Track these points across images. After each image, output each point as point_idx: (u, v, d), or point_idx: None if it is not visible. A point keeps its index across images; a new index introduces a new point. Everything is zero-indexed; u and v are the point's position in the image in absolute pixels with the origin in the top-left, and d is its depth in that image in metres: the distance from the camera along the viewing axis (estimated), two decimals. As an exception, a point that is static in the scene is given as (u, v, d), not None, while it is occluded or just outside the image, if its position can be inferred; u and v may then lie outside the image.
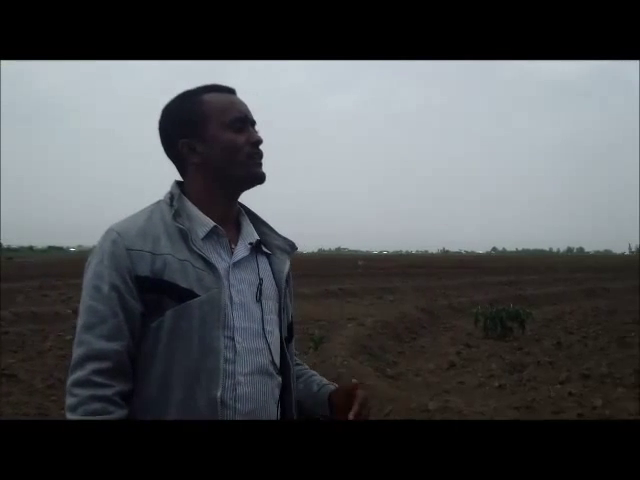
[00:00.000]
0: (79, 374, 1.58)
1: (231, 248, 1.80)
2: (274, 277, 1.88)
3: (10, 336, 11.77)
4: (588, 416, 6.82)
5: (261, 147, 1.81)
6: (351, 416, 1.78)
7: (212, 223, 1.77)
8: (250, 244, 1.84)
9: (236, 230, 1.86)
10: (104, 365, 1.58)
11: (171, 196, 1.78)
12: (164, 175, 1.92)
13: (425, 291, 23.72)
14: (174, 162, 1.86)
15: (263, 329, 1.79)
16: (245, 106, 1.85)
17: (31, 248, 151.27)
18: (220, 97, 1.82)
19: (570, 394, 7.85)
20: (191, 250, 1.69)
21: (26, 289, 21.46)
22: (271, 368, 1.79)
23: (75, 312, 1.83)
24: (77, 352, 1.60)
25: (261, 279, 1.82)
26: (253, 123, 1.85)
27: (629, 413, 6.92)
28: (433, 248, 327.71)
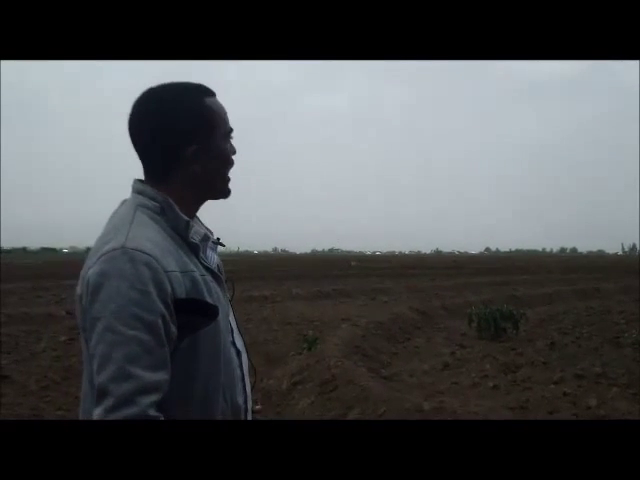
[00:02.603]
0: (130, 411, 1.44)
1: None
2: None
3: (3, 337, 11.72)
4: (582, 416, 6.83)
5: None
6: None
7: (203, 231, 1.73)
8: (214, 243, 1.83)
9: None
10: (156, 397, 1.48)
11: (162, 205, 1.67)
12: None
13: (419, 292, 23.71)
14: (160, 163, 1.71)
15: (237, 327, 1.82)
16: None
17: (24, 249, 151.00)
18: (218, 103, 1.76)
19: (564, 394, 7.85)
20: (202, 264, 1.67)
21: (19, 290, 21.41)
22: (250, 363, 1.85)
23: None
24: (124, 387, 1.44)
25: (224, 278, 1.83)
26: None
27: (623, 413, 6.94)
28: (426, 249, 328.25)
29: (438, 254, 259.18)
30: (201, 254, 1.68)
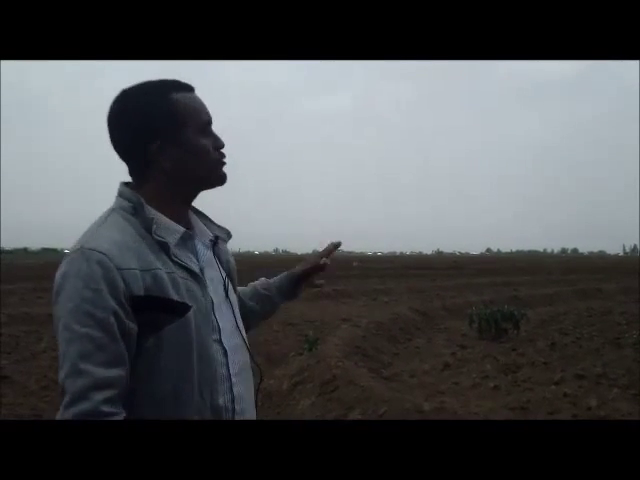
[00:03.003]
0: (84, 406, 1.47)
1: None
2: (225, 268, 1.87)
3: (4, 338, 11.73)
4: (583, 417, 6.82)
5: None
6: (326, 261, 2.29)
7: (182, 229, 1.72)
8: (211, 241, 1.83)
9: (189, 228, 1.80)
10: (110, 393, 1.49)
11: (135, 205, 1.68)
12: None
13: (419, 292, 23.70)
14: (133, 162, 1.74)
15: (237, 325, 1.81)
16: (207, 107, 1.79)
17: (25, 250, 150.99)
18: (190, 97, 1.75)
19: (565, 395, 7.84)
20: (173, 261, 1.66)
21: (20, 291, 21.40)
22: (250, 361, 1.83)
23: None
24: (78, 383, 1.48)
25: (225, 275, 1.83)
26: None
27: (623, 414, 6.93)
28: (427, 249, 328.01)
29: (439, 255, 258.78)
30: (173, 251, 1.66)
